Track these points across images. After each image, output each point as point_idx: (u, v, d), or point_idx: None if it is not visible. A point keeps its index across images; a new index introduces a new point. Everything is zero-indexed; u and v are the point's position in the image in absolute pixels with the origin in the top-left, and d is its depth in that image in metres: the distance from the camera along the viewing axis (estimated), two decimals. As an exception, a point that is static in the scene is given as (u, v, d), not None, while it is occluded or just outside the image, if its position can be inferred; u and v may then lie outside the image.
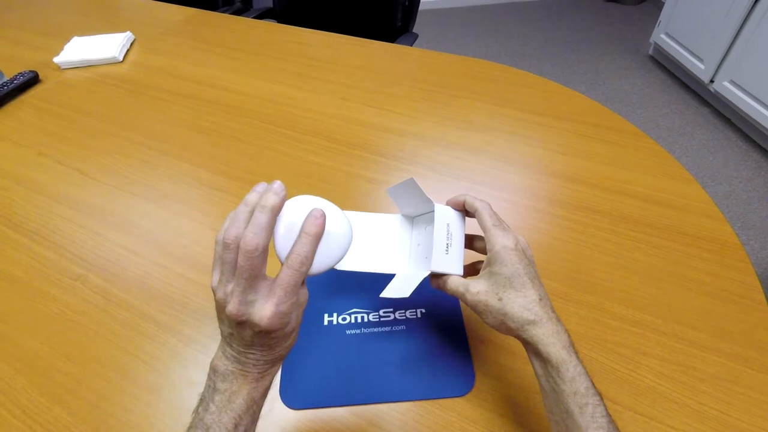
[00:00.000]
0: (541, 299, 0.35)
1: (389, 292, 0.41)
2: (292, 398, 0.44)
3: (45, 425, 0.43)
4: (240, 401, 0.31)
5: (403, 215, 0.48)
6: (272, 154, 0.73)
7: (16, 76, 0.90)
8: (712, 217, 0.58)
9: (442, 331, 0.48)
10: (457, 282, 0.38)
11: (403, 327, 0.49)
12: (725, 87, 1.75)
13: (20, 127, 0.82)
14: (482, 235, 0.39)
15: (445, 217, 0.41)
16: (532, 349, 0.34)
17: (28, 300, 0.54)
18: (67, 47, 1.01)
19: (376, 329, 0.49)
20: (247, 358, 0.31)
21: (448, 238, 0.40)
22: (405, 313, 0.50)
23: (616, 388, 0.43)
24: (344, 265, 0.42)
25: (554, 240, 0.57)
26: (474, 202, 0.40)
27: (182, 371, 0.46)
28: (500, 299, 0.35)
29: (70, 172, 0.72)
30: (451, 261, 0.40)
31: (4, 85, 0.87)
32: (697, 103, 1.96)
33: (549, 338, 0.33)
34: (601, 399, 0.31)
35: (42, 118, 0.84)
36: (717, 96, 1.83)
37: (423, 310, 0.50)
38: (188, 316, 0.51)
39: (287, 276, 0.30)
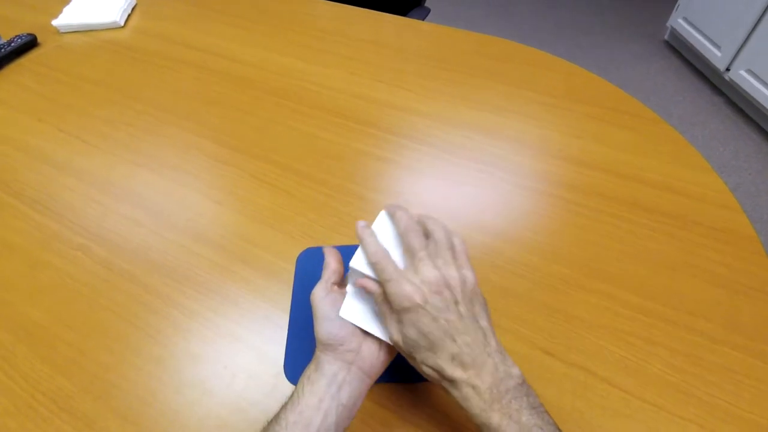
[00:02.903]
0: (453, 359, 0.31)
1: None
2: (296, 375, 0.43)
3: (48, 394, 0.43)
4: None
5: None
6: (279, 127, 0.71)
7: (14, 38, 0.87)
8: (729, 208, 0.57)
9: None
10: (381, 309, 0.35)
11: (409, 308, 0.48)
12: (741, 76, 1.71)
13: (19, 91, 0.80)
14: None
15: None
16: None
17: (29, 268, 0.53)
18: (66, 10, 0.97)
19: (382, 309, 0.48)
20: None
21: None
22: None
23: (625, 377, 0.42)
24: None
25: (566, 225, 0.56)
26: (365, 240, 0.36)
27: (185, 345, 0.46)
28: (413, 358, 0.33)
29: (71, 140, 0.70)
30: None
31: (1, 48, 0.84)
32: (711, 92, 1.92)
33: (463, 402, 0.31)
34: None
35: (41, 83, 0.82)
36: (732, 85, 1.79)
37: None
38: (191, 289, 0.50)
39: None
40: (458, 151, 0.67)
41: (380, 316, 0.36)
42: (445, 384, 0.32)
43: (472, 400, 0.31)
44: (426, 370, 0.33)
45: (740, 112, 1.81)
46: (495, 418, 0.30)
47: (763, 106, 1.64)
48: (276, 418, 0.33)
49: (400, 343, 0.34)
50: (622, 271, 0.51)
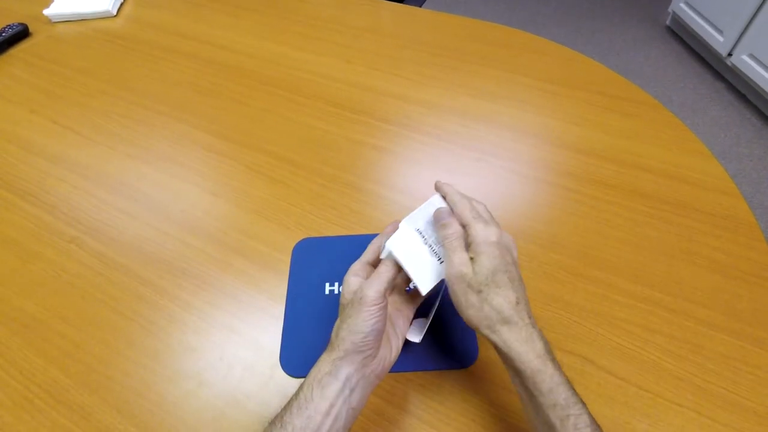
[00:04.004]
0: (518, 302, 0.33)
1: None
2: (292, 366, 0.43)
3: (43, 386, 0.43)
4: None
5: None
6: (273, 117, 0.70)
7: (5, 28, 0.86)
8: (729, 194, 0.56)
9: (447, 304, 0.47)
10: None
11: (406, 298, 0.48)
12: (743, 61, 1.68)
13: (10, 83, 0.79)
14: None
15: (413, 225, 0.38)
16: (505, 357, 0.32)
17: (22, 261, 0.52)
18: (58, -1, 0.96)
19: (378, 299, 0.48)
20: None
21: (425, 242, 0.38)
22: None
23: (623, 364, 0.42)
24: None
25: (564, 214, 0.55)
26: (444, 188, 0.39)
27: (181, 337, 0.46)
28: (480, 291, 0.33)
29: (64, 132, 0.69)
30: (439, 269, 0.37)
31: (-7, 38, 0.83)
32: (713, 78, 1.90)
33: (521, 345, 0.31)
34: (584, 407, 0.30)
35: (33, 74, 0.81)
36: (734, 70, 1.77)
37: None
38: (187, 281, 0.50)
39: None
40: (455, 139, 0.66)
41: (444, 253, 0.36)
42: (500, 327, 0.32)
43: (532, 343, 0.31)
44: (485, 309, 0.32)
45: (742, 98, 1.79)
46: (550, 366, 0.31)
47: (765, 91, 1.62)
48: (281, 423, 0.31)
49: (469, 274, 0.33)
50: (620, 259, 0.50)
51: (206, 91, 0.76)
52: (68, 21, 0.93)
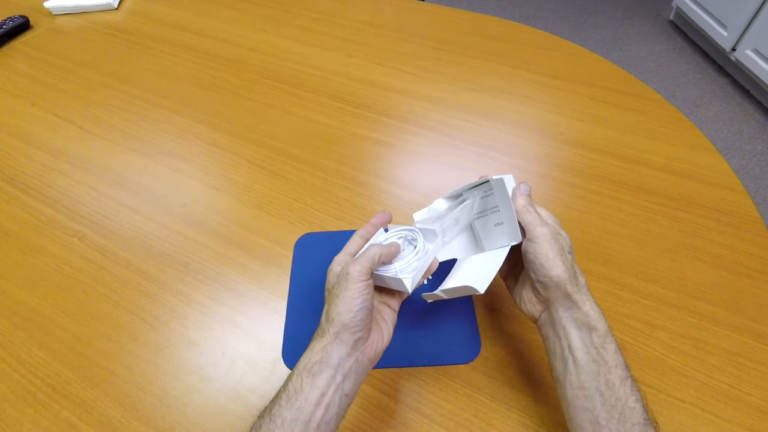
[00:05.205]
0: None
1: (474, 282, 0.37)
2: (294, 361, 0.43)
3: (46, 380, 0.43)
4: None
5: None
6: (275, 111, 0.70)
7: (5, 20, 0.85)
8: (732, 190, 0.56)
9: (446, 302, 0.47)
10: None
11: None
12: (747, 56, 1.67)
13: (11, 75, 0.79)
14: None
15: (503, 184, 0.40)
16: (581, 315, 0.33)
17: (24, 255, 0.52)
18: (58, -9, 0.95)
19: (381, 294, 0.48)
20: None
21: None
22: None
23: (625, 360, 0.42)
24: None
25: (567, 209, 0.55)
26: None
27: (183, 331, 0.46)
28: (570, 252, 0.35)
29: (66, 125, 0.69)
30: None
31: (-7, 31, 0.83)
32: (716, 73, 1.89)
33: (596, 307, 0.33)
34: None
35: (34, 66, 0.80)
36: (738, 65, 1.76)
37: (429, 277, 0.49)
38: (188, 276, 0.50)
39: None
40: (458, 134, 0.65)
41: (529, 217, 0.38)
42: (581, 288, 0.34)
43: (600, 309, 0.33)
44: (573, 268, 0.35)
45: (745, 93, 1.78)
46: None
47: (769, 87, 1.61)
48: (269, 416, 0.30)
49: (561, 236, 0.36)
50: (623, 255, 0.50)
51: (208, 84, 0.75)
52: (69, 13, 0.93)
